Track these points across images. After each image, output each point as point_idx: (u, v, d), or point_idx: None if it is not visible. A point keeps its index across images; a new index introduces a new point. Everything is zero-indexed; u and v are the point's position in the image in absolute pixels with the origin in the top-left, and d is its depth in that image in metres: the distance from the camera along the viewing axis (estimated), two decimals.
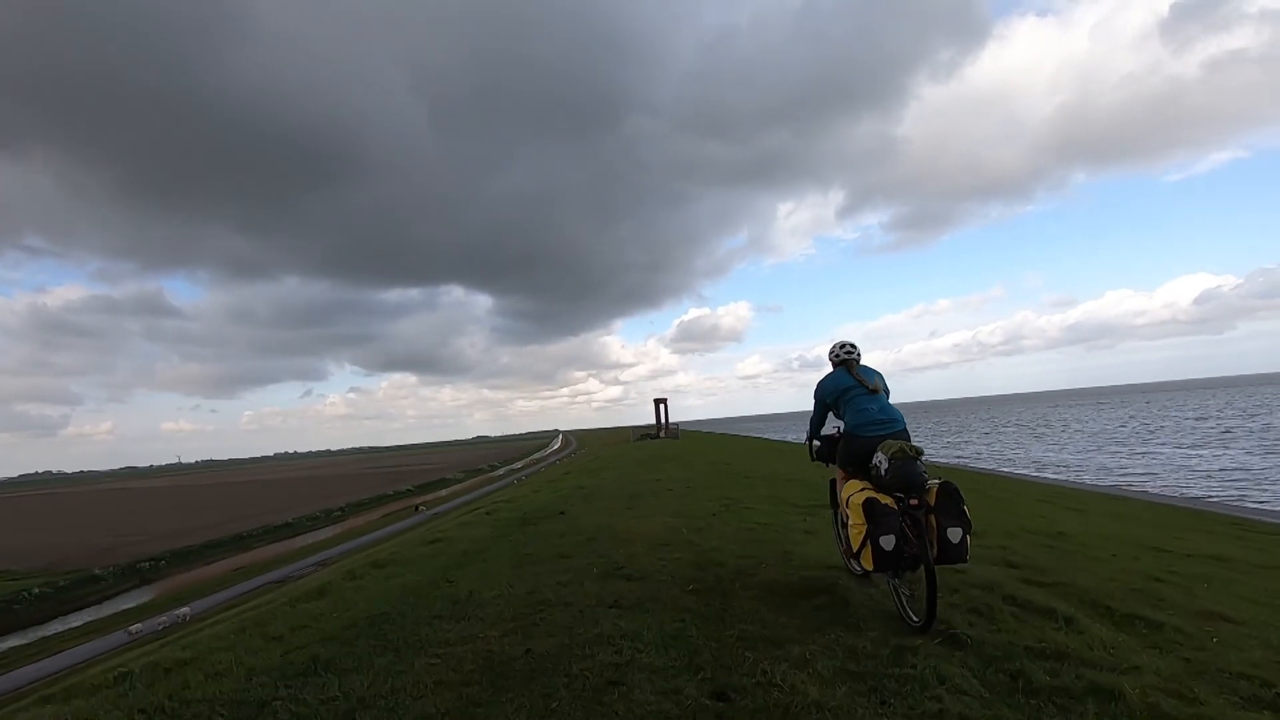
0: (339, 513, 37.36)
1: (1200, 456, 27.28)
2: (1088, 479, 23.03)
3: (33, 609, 18.57)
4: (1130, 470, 25.09)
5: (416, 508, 30.75)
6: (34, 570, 23.57)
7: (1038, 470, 27.09)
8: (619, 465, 18.15)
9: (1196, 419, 52.06)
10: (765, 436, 53.60)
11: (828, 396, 4.54)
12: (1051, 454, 34.67)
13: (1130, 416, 63.96)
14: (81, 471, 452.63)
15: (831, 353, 4.68)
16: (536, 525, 7.64)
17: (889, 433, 4.16)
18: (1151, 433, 42.85)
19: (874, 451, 4.04)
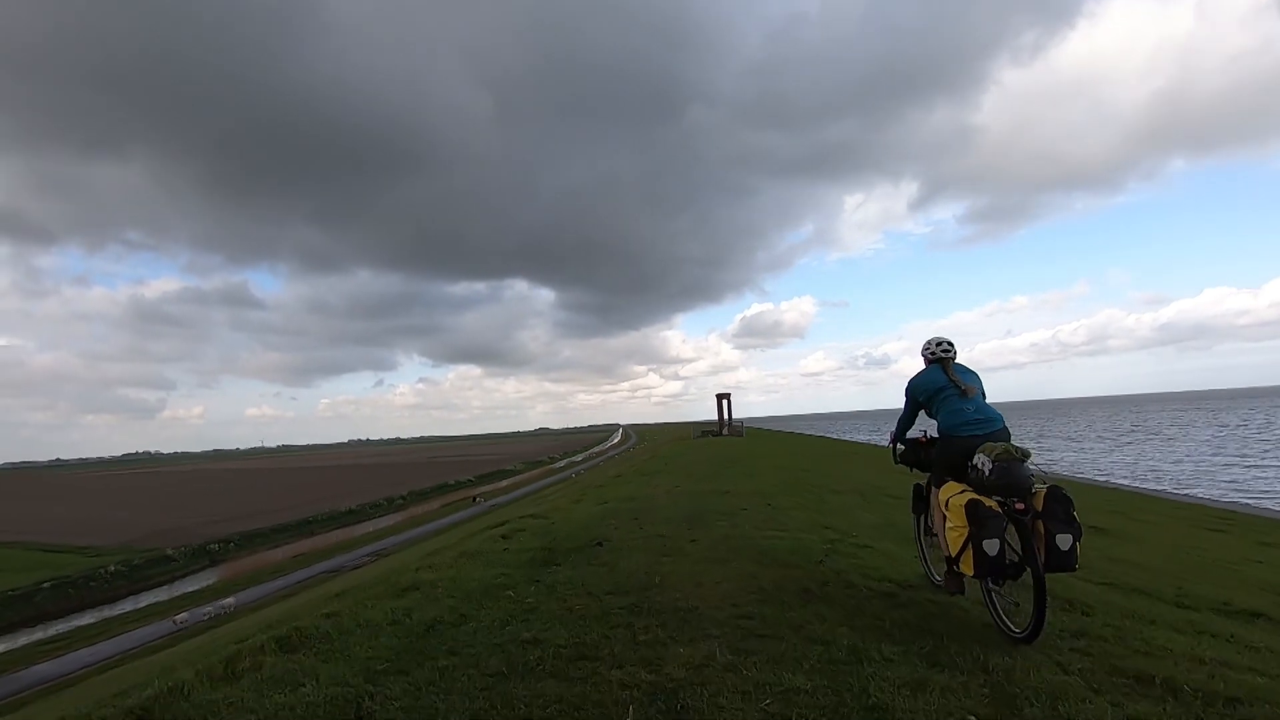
0: (401, 500, 37.87)
1: None
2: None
3: (107, 587, 19.13)
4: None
5: (474, 499, 30.66)
6: (115, 547, 24.51)
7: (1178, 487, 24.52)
8: (678, 467, 16.61)
9: None
10: (835, 436, 51.35)
11: (920, 394, 4.36)
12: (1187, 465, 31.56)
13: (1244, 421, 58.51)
14: (177, 453, 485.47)
15: (926, 349, 4.48)
16: (559, 567, 5.08)
17: (988, 433, 3.96)
18: None
19: (973, 453, 3.83)
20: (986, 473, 3.69)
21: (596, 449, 76.41)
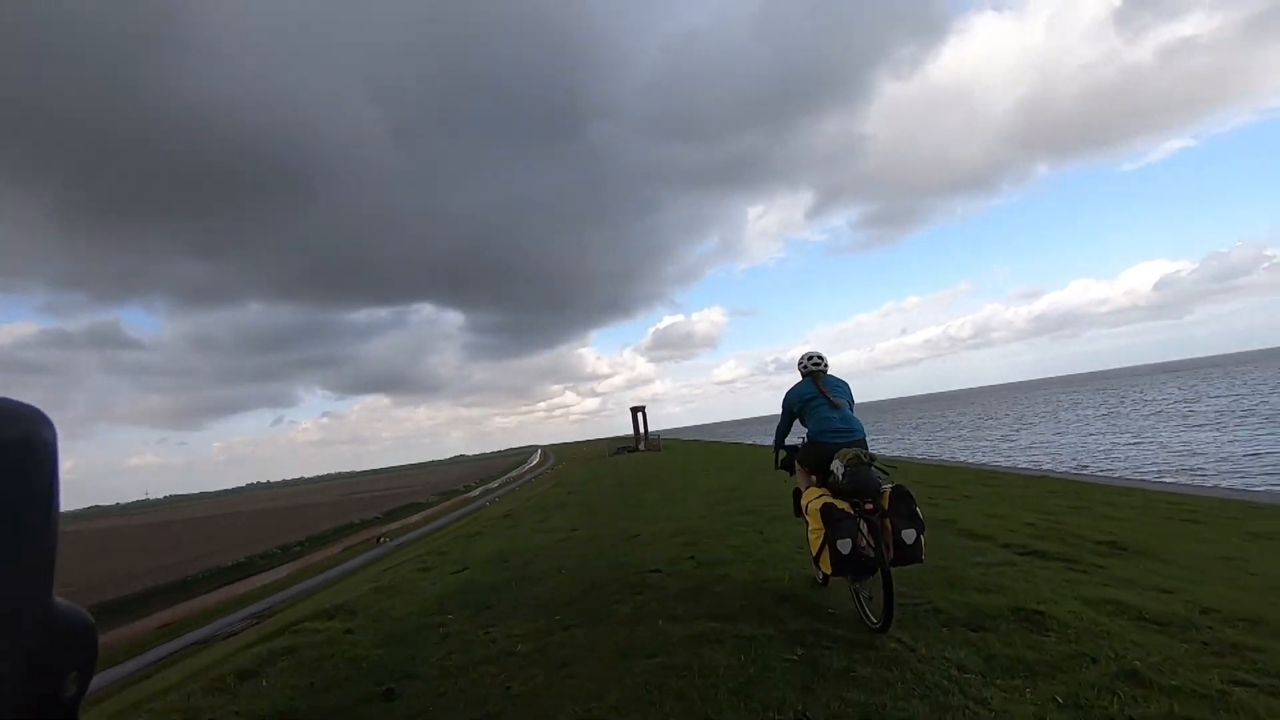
0: (297, 548, 34.75)
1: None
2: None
3: None
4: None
5: (379, 539, 28.44)
6: None
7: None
8: (583, 498, 14.85)
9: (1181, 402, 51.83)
10: (753, 442, 51.66)
11: (794, 405, 4.71)
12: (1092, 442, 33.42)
13: (1107, 401, 63.80)
14: None
15: (800, 363, 4.83)
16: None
17: (846, 441, 4.32)
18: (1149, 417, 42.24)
19: (833, 458, 4.20)
20: (840, 477, 4.07)
21: (514, 473, 74.19)
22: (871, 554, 3.78)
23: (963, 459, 28.25)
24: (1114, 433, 33.88)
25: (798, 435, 4.81)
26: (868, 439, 4.42)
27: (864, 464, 4.05)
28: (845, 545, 3.77)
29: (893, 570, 3.75)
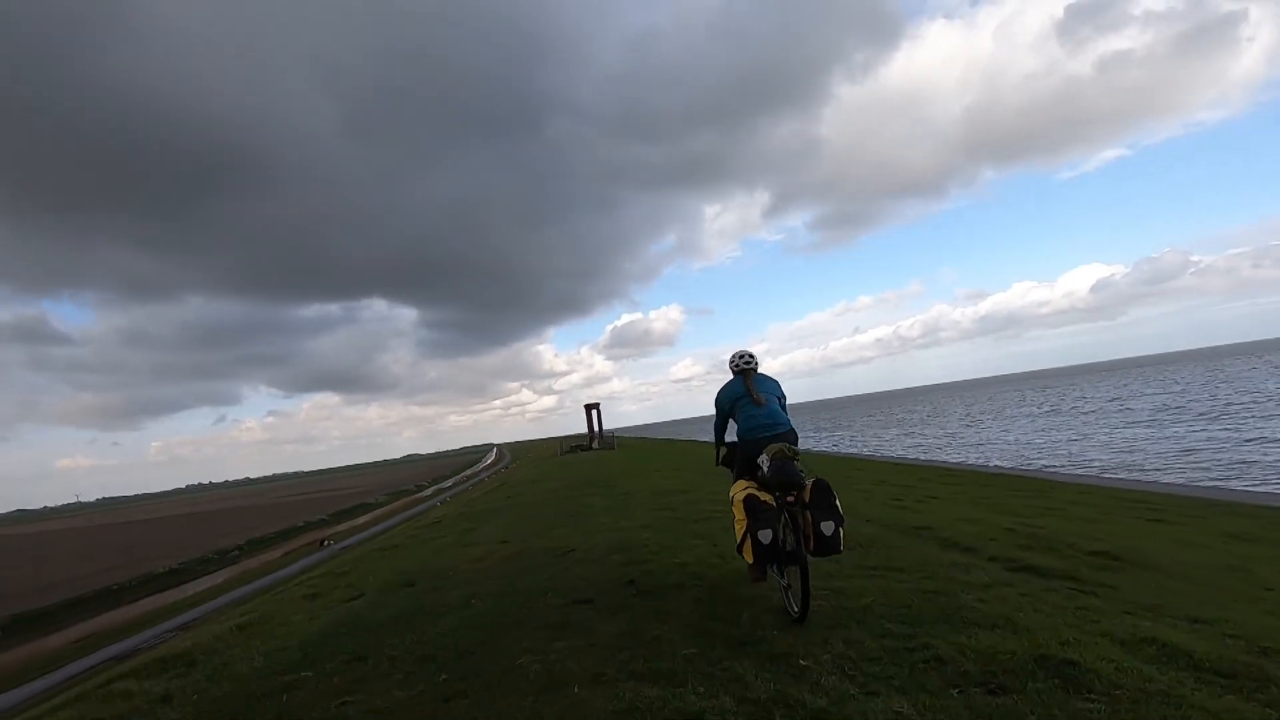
0: (236, 552, 33.21)
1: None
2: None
3: None
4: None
5: (322, 542, 27.36)
6: None
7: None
8: (523, 502, 14.17)
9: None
10: (708, 439, 51.70)
11: (725, 403, 4.85)
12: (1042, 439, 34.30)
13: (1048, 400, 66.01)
14: None
15: (731, 361, 4.96)
16: None
17: (773, 435, 4.47)
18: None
19: (760, 455, 4.33)
20: (765, 470, 4.19)
21: (468, 471, 72.88)
22: (791, 545, 3.99)
23: (919, 456, 28.69)
24: (1056, 429, 35.01)
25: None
26: (797, 433, 4.61)
27: (787, 458, 4.21)
28: (766, 535, 3.94)
29: (810, 562, 4.03)
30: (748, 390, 4.74)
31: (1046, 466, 21.00)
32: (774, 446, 4.30)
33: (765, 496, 4.10)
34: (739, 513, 4.15)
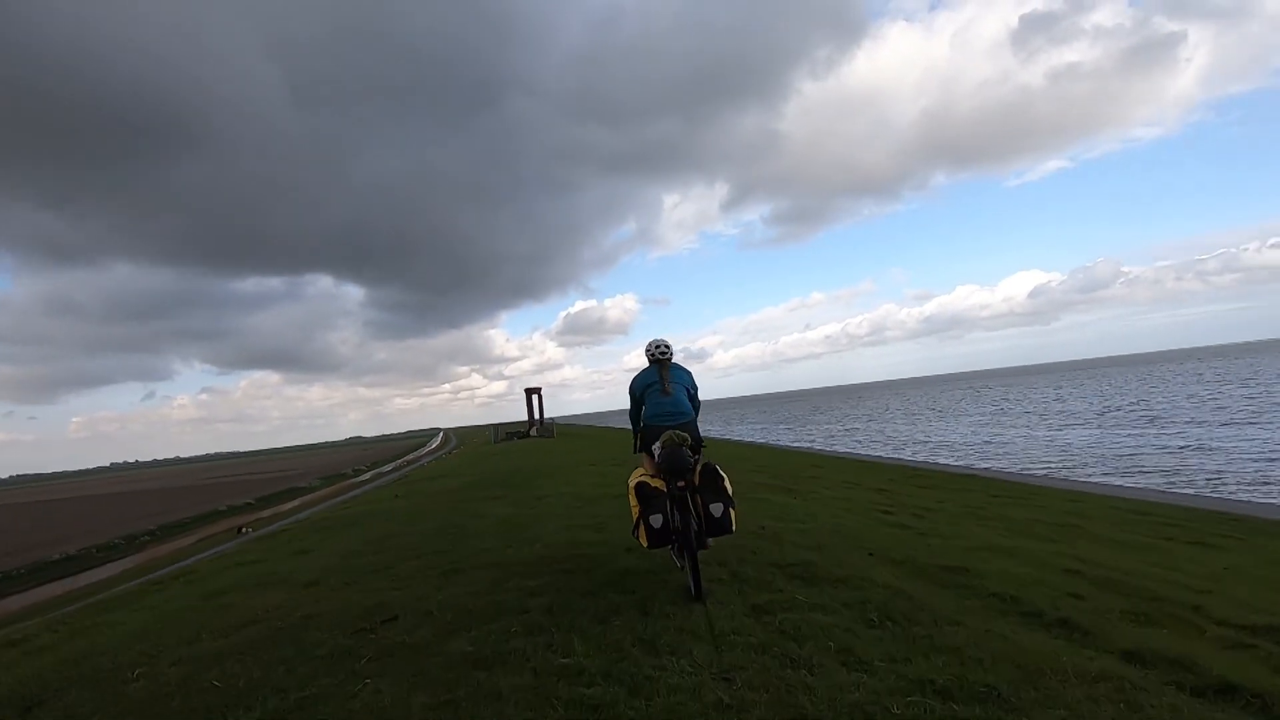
0: (147, 537, 30.75)
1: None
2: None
3: None
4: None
5: (240, 529, 25.31)
6: None
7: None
8: (404, 509, 11.88)
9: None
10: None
11: (636, 390, 5.10)
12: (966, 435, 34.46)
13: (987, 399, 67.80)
14: None
15: (647, 350, 5.13)
16: None
17: (672, 424, 4.70)
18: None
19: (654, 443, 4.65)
20: (658, 458, 4.43)
21: (410, 456, 70.62)
22: (681, 528, 4.20)
23: (877, 454, 28.31)
24: (1004, 428, 35.42)
25: None
26: (697, 425, 4.78)
27: (678, 445, 4.39)
28: (656, 520, 4.11)
29: (702, 544, 4.35)
30: (660, 379, 4.92)
31: (1012, 468, 20.77)
32: (666, 434, 4.50)
33: (656, 483, 4.29)
34: (632, 499, 4.37)
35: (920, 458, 25.27)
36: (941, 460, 23.65)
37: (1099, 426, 30.47)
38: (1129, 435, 25.98)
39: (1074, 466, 19.74)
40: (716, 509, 4.19)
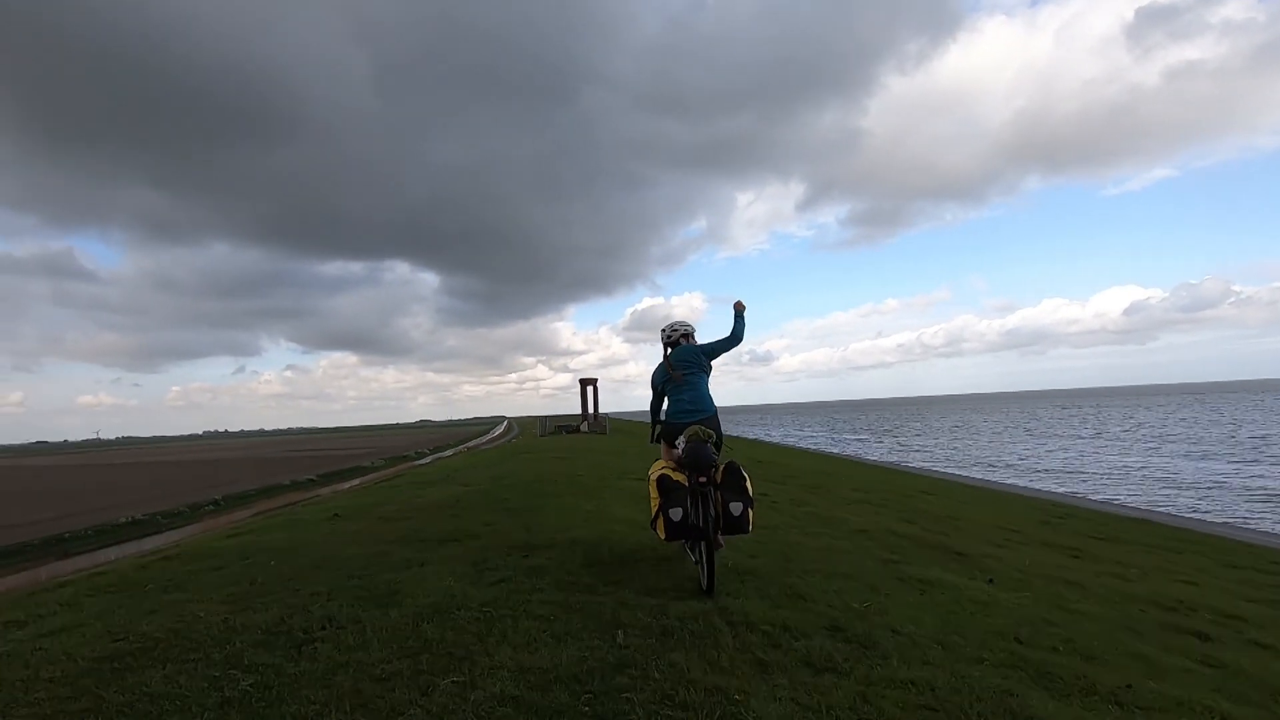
0: (211, 507, 31.07)
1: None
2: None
3: None
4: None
5: (294, 505, 25.00)
6: None
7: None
8: (409, 524, 8.57)
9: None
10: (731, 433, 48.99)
11: (657, 383, 5.24)
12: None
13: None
14: None
15: (662, 334, 5.41)
16: None
17: (694, 420, 4.84)
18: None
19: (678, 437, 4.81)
20: (681, 452, 4.63)
21: (473, 442, 71.10)
22: (701, 523, 4.35)
23: (994, 478, 25.16)
24: (1113, 454, 31.62)
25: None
26: (718, 418, 4.99)
27: (702, 441, 4.59)
28: (676, 513, 4.27)
29: (718, 541, 4.48)
30: (670, 372, 5.04)
31: (1147, 504, 17.81)
32: (691, 429, 4.70)
33: (679, 476, 4.46)
34: (653, 491, 4.55)
35: (1044, 486, 22.31)
36: (1076, 491, 20.59)
37: (1259, 461, 26.49)
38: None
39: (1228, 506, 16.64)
40: (736, 507, 4.27)
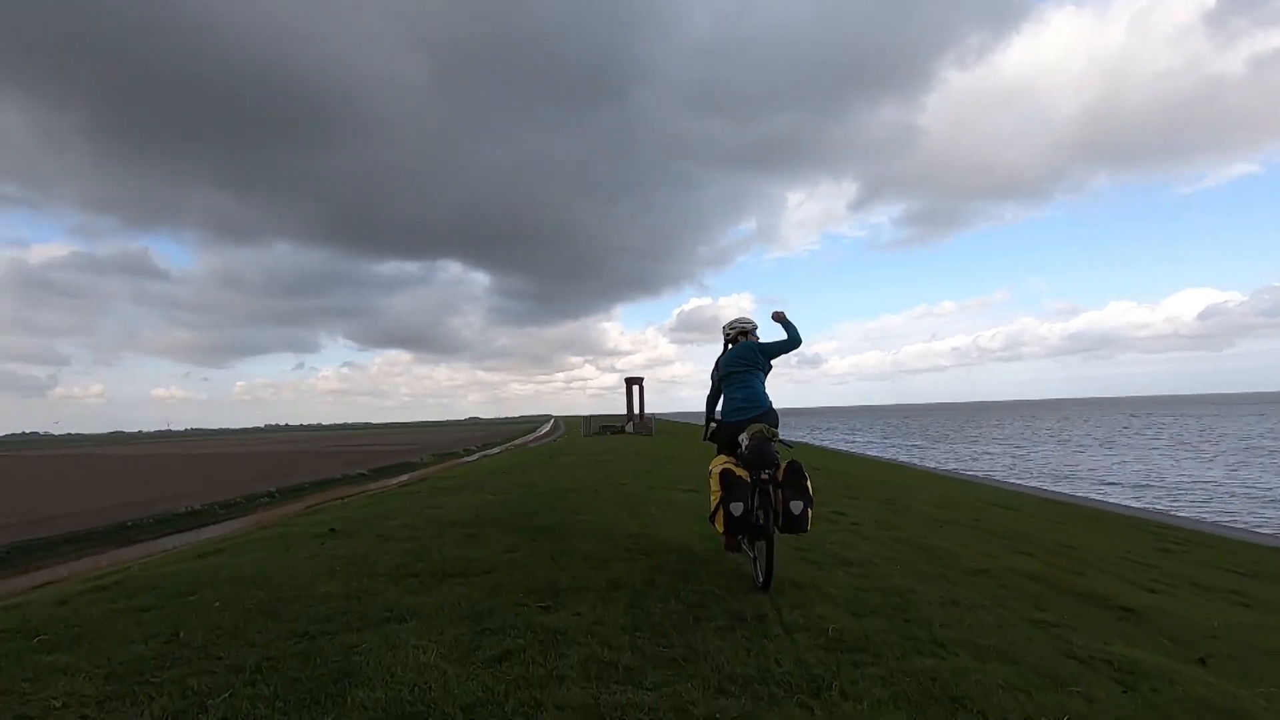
0: (266, 499, 31.65)
1: None
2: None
3: None
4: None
5: (342, 499, 25.20)
6: None
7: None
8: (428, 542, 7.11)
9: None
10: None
11: (715, 378, 5.30)
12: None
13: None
14: (70, 434, 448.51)
15: (724, 330, 5.49)
16: None
17: (753, 416, 4.92)
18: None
19: (740, 434, 4.89)
20: (744, 448, 4.73)
21: (519, 440, 71.51)
22: (761, 520, 4.43)
23: (1067, 490, 23.35)
24: (1203, 465, 29.33)
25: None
26: (777, 414, 5.02)
27: (766, 438, 4.64)
28: (737, 508, 4.36)
29: (776, 537, 4.47)
30: (731, 368, 5.18)
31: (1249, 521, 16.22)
32: (754, 427, 4.73)
33: (741, 472, 4.48)
34: (715, 484, 4.52)
35: (1122, 499, 20.70)
36: (1182, 511, 18.77)
37: None
38: None
39: None
40: (796, 506, 4.30)
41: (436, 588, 4.93)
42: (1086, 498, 20.61)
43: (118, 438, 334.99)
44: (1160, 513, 17.69)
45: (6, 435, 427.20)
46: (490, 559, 5.78)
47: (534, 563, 5.61)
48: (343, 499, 24.51)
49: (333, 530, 7.64)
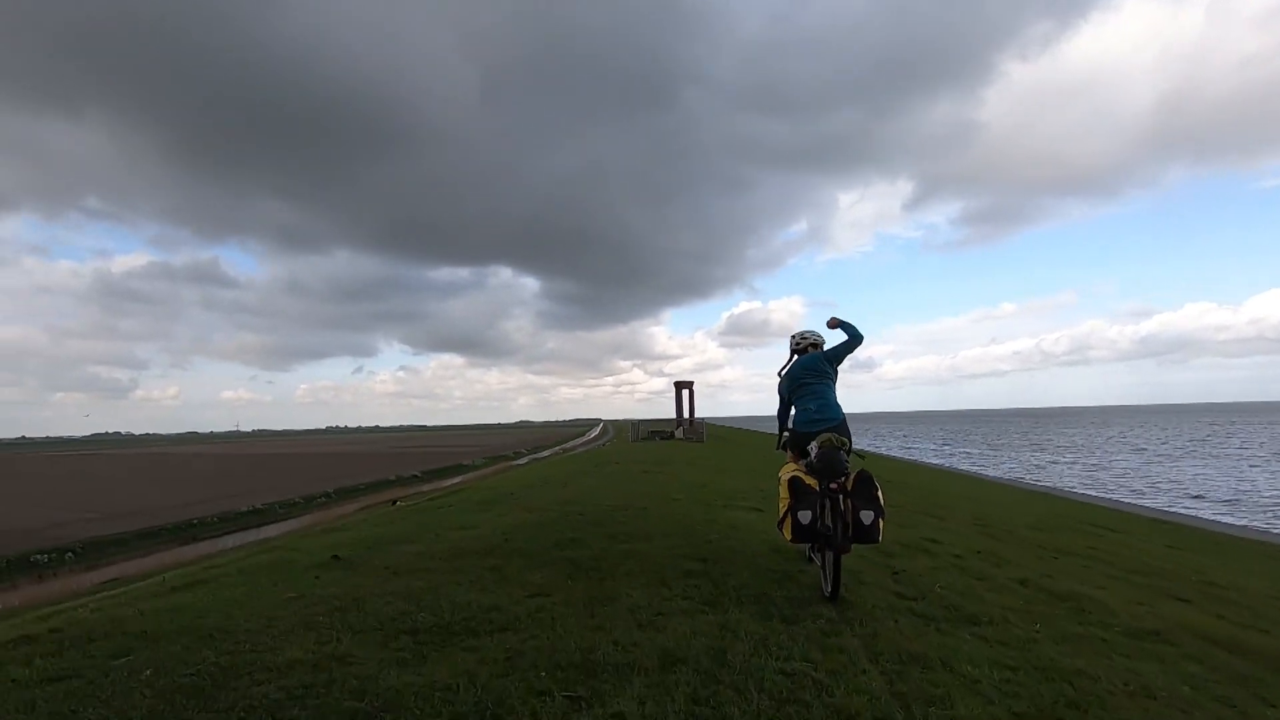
0: (323, 499, 32.50)
1: None
2: None
3: None
4: None
5: (394, 502, 25.55)
6: None
7: None
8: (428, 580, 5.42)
9: None
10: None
11: (784, 391, 5.27)
12: None
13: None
14: (147, 434, 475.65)
15: (792, 341, 5.44)
16: None
17: (825, 427, 4.77)
18: None
19: (810, 443, 4.75)
20: (814, 457, 4.62)
21: (569, 444, 71.86)
22: (830, 529, 4.33)
23: (1155, 504, 21.54)
24: None
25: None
26: (848, 424, 4.82)
27: (836, 447, 4.56)
28: (805, 516, 4.29)
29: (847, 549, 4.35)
30: (803, 379, 5.10)
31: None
32: (824, 436, 4.63)
33: (810, 480, 4.41)
34: (783, 491, 4.51)
35: (1221, 516, 19.06)
36: (1261, 526, 17.32)
37: None
38: None
39: None
40: (867, 516, 4.25)
41: (435, 655, 3.61)
42: (1194, 516, 18.95)
43: (191, 438, 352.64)
44: (1265, 532, 16.17)
45: (94, 434, 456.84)
46: (512, 608, 4.44)
47: (566, 616, 4.23)
48: (394, 502, 24.79)
49: (336, 557, 6.50)
